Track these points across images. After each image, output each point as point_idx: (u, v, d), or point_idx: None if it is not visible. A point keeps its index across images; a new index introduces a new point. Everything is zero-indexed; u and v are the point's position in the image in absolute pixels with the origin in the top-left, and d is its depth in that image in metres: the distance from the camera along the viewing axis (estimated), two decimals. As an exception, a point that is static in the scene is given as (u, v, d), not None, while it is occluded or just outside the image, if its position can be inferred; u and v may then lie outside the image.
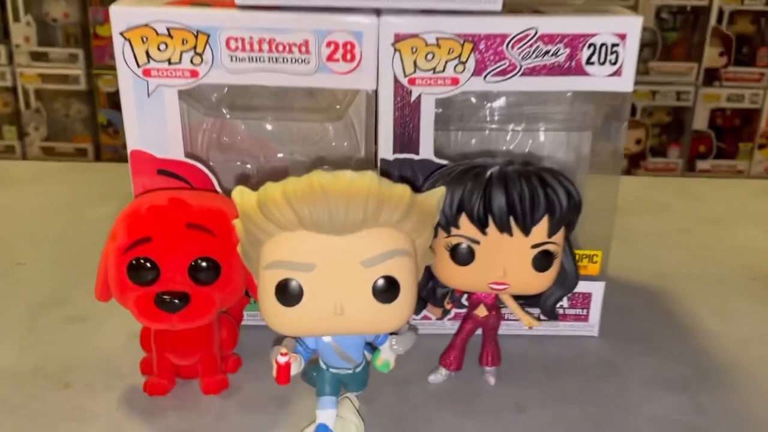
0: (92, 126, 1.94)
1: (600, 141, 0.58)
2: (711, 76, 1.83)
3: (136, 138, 0.55)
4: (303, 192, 0.40)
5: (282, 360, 0.43)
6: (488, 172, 0.47)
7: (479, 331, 0.55)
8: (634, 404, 0.53)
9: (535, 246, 0.48)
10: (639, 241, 0.80)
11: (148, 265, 0.47)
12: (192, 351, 0.52)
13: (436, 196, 0.44)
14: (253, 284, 0.51)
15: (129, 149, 0.55)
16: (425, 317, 0.60)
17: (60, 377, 0.54)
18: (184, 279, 0.47)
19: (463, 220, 0.47)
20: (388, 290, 0.41)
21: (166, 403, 0.52)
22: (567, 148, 0.62)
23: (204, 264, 0.47)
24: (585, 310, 0.61)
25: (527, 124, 0.60)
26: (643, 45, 1.81)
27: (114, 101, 1.87)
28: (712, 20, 1.79)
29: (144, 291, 0.47)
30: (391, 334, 0.47)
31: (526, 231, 0.47)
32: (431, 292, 0.53)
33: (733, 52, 1.81)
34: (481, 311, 0.53)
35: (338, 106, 0.60)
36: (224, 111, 0.61)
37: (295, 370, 0.44)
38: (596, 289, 0.60)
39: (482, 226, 0.47)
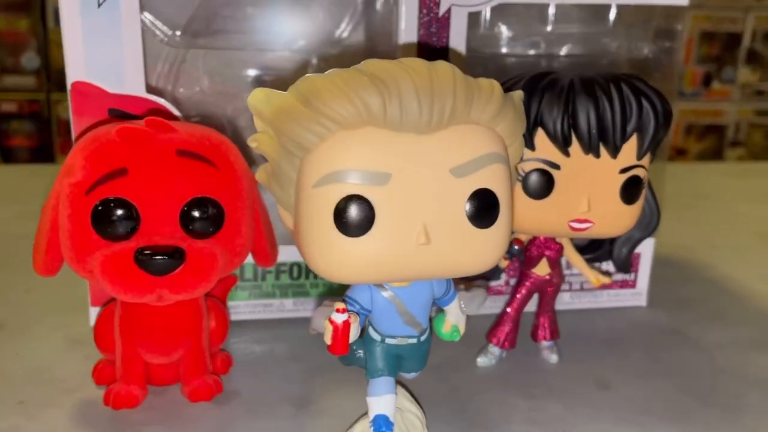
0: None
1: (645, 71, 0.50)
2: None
3: (79, 64, 0.41)
4: (374, 79, 0.28)
5: (340, 319, 0.30)
6: (568, 79, 0.37)
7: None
8: (729, 369, 0.44)
9: (623, 170, 0.38)
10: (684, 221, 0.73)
11: (123, 210, 0.33)
12: (175, 343, 0.38)
13: (519, 96, 0.34)
14: (262, 242, 0.38)
15: (70, 80, 0.41)
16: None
17: (-24, 397, 0.38)
18: (174, 229, 0.34)
19: (539, 139, 0.37)
20: (486, 208, 0.30)
21: (138, 417, 0.37)
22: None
23: (203, 207, 0.34)
24: (633, 275, 0.52)
25: (549, 48, 0.51)
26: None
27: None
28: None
29: (118, 248, 0.33)
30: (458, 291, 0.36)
31: (615, 150, 0.37)
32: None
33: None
34: (542, 269, 0.43)
35: (336, 35, 0.49)
36: (182, 40, 0.48)
37: (354, 334, 0.31)
38: (645, 249, 0.51)
39: (566, 145, 0.37)
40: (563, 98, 0.37)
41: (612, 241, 0.43)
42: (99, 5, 0.40)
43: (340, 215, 0.29)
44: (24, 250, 0.59)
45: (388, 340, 0.34)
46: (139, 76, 0.42)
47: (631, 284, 0.52)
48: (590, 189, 0.38)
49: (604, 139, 0.37)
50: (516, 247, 0.42)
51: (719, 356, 0.45)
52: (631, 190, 0.38)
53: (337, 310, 0.30)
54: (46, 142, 1.69)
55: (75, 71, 0.41)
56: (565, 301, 0.51)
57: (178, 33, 0.48)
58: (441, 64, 0.30)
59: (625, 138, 0.37)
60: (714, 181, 0.89)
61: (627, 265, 0.44)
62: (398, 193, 0.29)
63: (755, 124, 1.92)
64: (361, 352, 0.35)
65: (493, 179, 0.30)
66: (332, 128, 0.29)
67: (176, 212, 0.33)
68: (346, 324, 0.30)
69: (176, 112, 0.42)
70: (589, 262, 0.44)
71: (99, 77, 0.41)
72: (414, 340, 0.34)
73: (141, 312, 0.37)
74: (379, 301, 0.33)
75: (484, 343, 0.44)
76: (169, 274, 0.33)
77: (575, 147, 0.37)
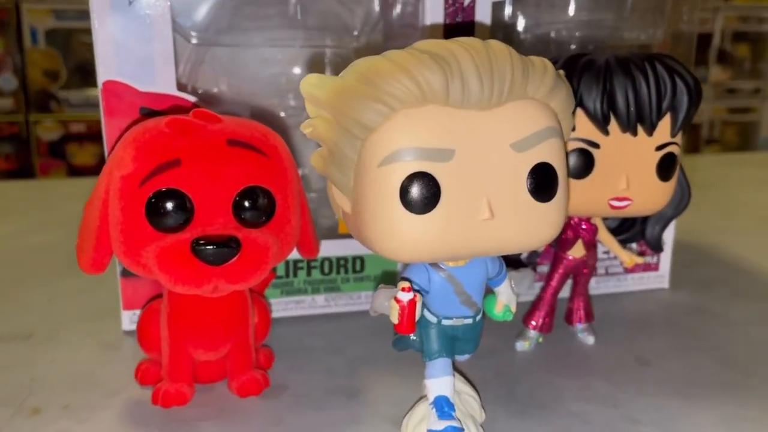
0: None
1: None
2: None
3: (111, 63, 0.41)
4: (434, 57, 0.29)
5: (406, 298, 0.30)
6: (603, 59, 0.38)
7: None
8: (763, 342, 0.44)
9: (659, 147, 0.39)
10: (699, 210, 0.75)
11: (177, 201, 0.32)
12: (224, 338, 0.37)
13: (563, 74, 0.34)
14: (308, 232, 0.38)
15: (101, 80, 0.41)
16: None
17: (21, 403, 0.37)
18: (227, 219, 0.33)
19: (578, 119, 0.38)
20: (546, 182, 0.31)
21: (190, 414, 0.36)
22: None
23: (255, 196, 0.34)
24: (655, 258, 0.53)
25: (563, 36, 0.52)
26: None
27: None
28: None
29: (173, 239, 0.32)
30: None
31: (651, 128, 0.38)
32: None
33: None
34: (578, 251, 0.43)
35: (355, 32, 0.50)
36: (200, 40, 0.48)
37: (418, 313, 0.31)
38: (667, 231, 0.52)
39: (605, 124, 0.38)
40: (601, 78, 0.37)
41: (644, 220, 0.44)
42: (130, 3, 0.40)
43: (405, 193, 0.29)
44: (40, 261, 0.58)
45: (444, 322, 0.34)
46: (170, 74, 0.41)
47: (654, 267, 0.53)
48: (628, 167, 0.39)
49: (640, 117, 0.38)
50: (553, 230, 0.42)
51: (751, 330, 0.46)
52: (666, 167, 0.39)
53: (403, 289, 0.30)
54: (25, 164, 1.66)
55: (106, 70, 0.41)
56: (592, 286, 0.51)
57: (196, 33, 0.48)
58: (494, 42, 0.30)
59: (660, 115, 0.38)
60: (702, 171, 0.91)
61: (659, 244, 0.45)
62: (462, 169, 0.29)
63: (728, 121, 1.97)
64: (415, 336, 0.35)
65: (551, 153, 0.31)
66: (395, 106, 0.29)
67: (229, 202, 0.33)
68: (412, 302, 0.31)
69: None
70: (622, 243, 0.44)
71: (130, 76, 0.41)
72: (469, 321, 0.34)
73: (190, 307, 0.36)
74: (437, 281, 0.33)
75: (517, 329, 0.44)
76: (226, 263, 0.33)
77: (613, 126, 0.38)
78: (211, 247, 0.32)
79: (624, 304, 0.51)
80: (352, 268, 0.48)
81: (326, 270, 0.47)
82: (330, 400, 0.38)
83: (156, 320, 0.38)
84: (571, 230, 0.43)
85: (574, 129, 0.38)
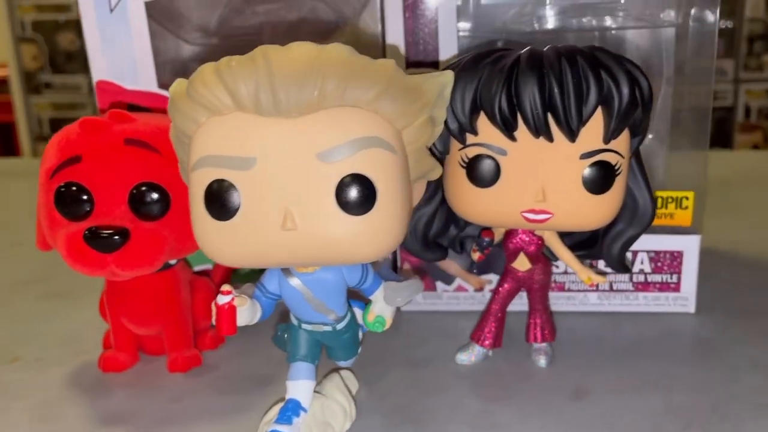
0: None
1: (686, 42, 0.43)
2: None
3: (100, 66, 0.46)
4: (239, 64, 0.29)
5: (222, 300, 0.31)
6: (515, 55, 0.34)
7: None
8: (746, 395, 0.37)
9: (585, 156, 0.34)
10: (739, 212, 0.66)
11: (77, 192, 0.37)
12: (152, 316, 0.41)
13: (437, 79, 0.32)
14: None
15: (94, 80, 0.46)
16: (459, 288, 0.47)
17: (11, 350, 0.45)
18: (123, 212, 0.37)
19: (482, 122, 0.35)
20: (357, 196, 0.29)
21: (119, 380, 0.41)
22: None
23: (148, 191, 0.37)
24: (675, 276, 0.45)
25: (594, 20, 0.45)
26: (756, 37, 1.61)
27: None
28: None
29: (74, 227, 0.37)
30: (386, 280, 0.35)
31: (571, 133, 0.33)
32: (454, 239, 0.40)
33: None
34: (522, 264, 0.40)
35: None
36: (215, 41, 0.51)
37: (244, 318, 0.32)
38: (689, 246, 0.45)
39: (508, 129, 0.34)
40: (504, 76, 0.33)
41: (604, 236, 0.39)
42: (111, 11, 0.45)
43: (208, 199, 0.30)
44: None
45: (304, 326, 0.34)
46: (151, 73, 0.46)
47: (674, 287, 0.46)
48: (545, 176, 0.34)
49: (556, 121, 0.33)
50: (486, 240, 0.39)
51: (744, 378, 0.38)
52: (597, 179, 0.34)
53: (222, 292, 0.31)
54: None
55: (98, 71, 0.46)
56: (591, 302, 0.46)
57: (208, 34, 0.52)
58: (322, 49, 0.29)
59: (582, 119, 0.33)
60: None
61: (622, 265, 0.39)
62: (263, 178, 0.29)
63: None
64: (286, 336, 0.36)
65: (368, 164, 0.29)
66: (205, 114, 0.30)
67: (124, 196, 0.37)
68: (230, 307, 0.31)
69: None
70: (582, 260, 0.39)
71: (117, 75, 0.46)
72: (329, 328, 0.34)
73: (119, 286, 0.40)
74: (286, 287, 0.33)
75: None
76: (115, 251, 0.36)
77: (524, 130, 0.34)
78: (99, 235, 0.36)
79: (623, 327, 0.45)
80: (329, 260, 0.49)
81: (303, 260, 0.49)
82: (243, 386, 0.40)
83: (109, 295, 0.43)
84: (512, 242, 0.39)
85: (476, 133, 0.35)
